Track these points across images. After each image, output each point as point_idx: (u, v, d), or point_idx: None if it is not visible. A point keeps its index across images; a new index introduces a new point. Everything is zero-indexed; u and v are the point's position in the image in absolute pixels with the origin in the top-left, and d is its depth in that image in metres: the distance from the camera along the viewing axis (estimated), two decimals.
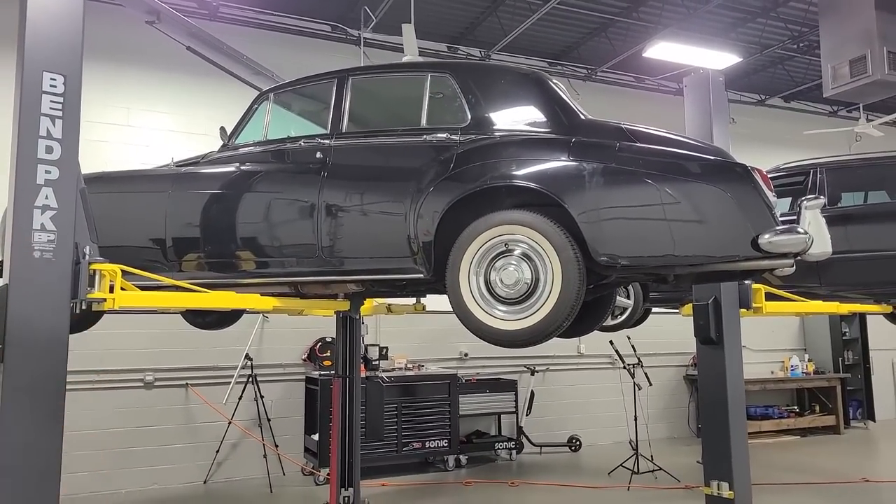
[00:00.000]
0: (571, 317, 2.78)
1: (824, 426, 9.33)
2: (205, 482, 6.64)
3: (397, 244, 3.07)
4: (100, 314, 3.73)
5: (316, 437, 6.63)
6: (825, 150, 7.74)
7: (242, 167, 3.52)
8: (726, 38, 8.37)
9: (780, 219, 2.84)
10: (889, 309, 5.33)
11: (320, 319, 6.23)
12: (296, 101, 3.75)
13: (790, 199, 5.37)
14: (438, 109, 3.27)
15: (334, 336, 5.13)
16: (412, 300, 4.95)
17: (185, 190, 3.54)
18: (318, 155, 3.32)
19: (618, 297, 5.13)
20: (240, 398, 6.66)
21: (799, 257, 2.89)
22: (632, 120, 3.19)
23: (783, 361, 9.70)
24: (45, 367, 2.61)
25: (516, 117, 3.17)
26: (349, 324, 4.76)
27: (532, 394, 8.10)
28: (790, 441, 8.83)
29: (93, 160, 5.09)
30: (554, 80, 3.32)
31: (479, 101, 3.20)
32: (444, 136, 3.14)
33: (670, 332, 8.28)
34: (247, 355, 6.80)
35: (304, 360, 7.27)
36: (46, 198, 2.69)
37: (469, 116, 3.18)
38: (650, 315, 6.14)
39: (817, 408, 9.55)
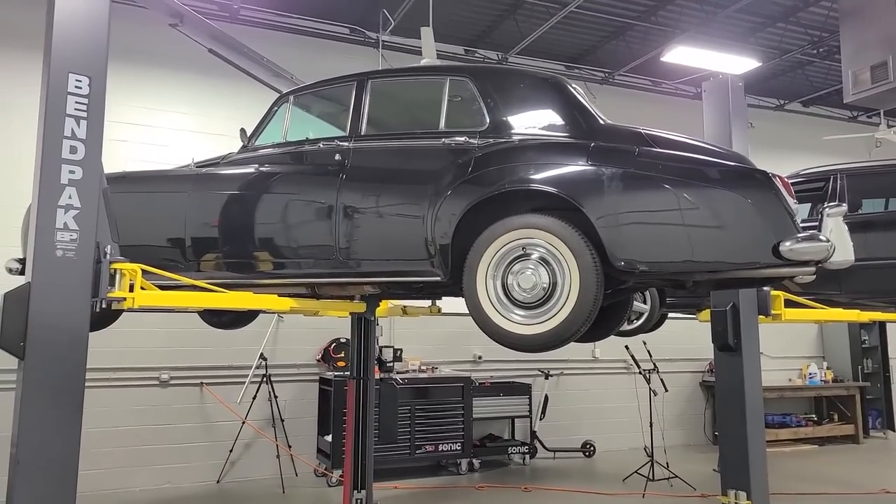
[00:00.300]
0: (589, 322, 2.77)
1: (843, 435, 9.19)
2: (218, 482, 6.68)
3: (414, 247, 3.08)
4: (119, 313, 3.78)
5: (329, 438, 6.64)
6: (845, 155, 7.67)
7: (262, 168, 3.54)
8: (745, 42, 8.30)
9: (801, 225, 2.81)
10: None
11: (334, 320, 6.25)
12: (315, 103, 3.77)
13: (809, 205, 5.32)
14: (457, 113, 3.27)
15: (348, 337, 5.15)
16: (427, 302, 4.95)
17: (204, 190, 3.57)
18: (337, 157, 3.34)
19: (634, 302, 5.10)
20: (254, 398, 6.70)
21: (820, 265, 2.85)
22: (649, 124, 3.18)
23: (801, 369, 9.58)
24: (66, 365, 2.64)
25: (535, 121, 3.17)
26: (364, 325, 4.77)
27: (546, 398, 8.07)
28: (808, 450, 8.71)
29: (113, 159, 5.15)
30: (573, 85, 3.32)
31: (498, 104, 3.19)
32: (463, 139, 3.14)
33: (687, 337, 8.20)
34: (261, 355, 6.84)
35: (318, 361, 7.29)
36: (70, 197, 2.72)
37: (487, 120, 3.18)
38: (666, 320, 6.09)
39: (836, 417, 9.41)
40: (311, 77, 3.99)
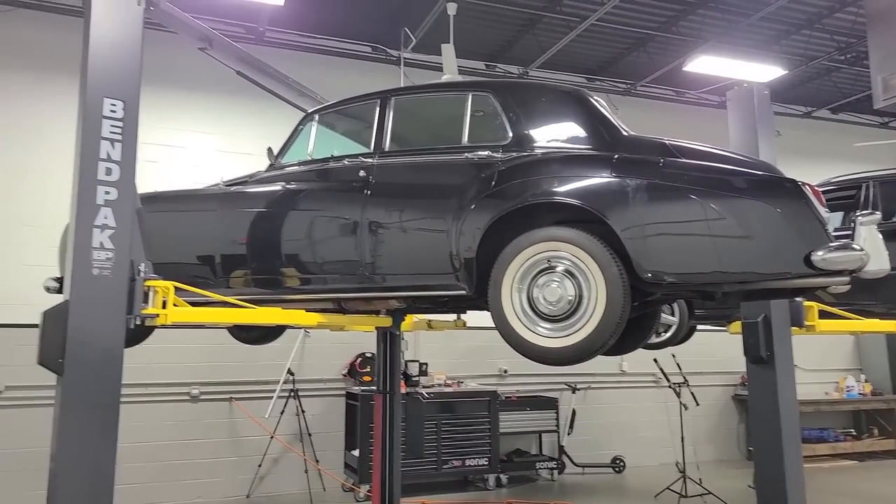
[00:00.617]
0: (616, 335, 2.75)
1: (883, 451, 8.91)
2: (247, 496, 6.73)
3: (439, 261, 3.09)
4: (151, 329, 3.84)
5: (356, 452, 6.65)
6: (876, 162, 7.48)
7: (288, 186, 3.60)
8: (769, 50, 8.22)
9: (834, 234, 2.76)
10: None
11: (360, 335, 6.29)
12: (340, 121, 3.83)
13: (841, 213, 5.21)
14: (480, 127, 3.29)
15: (374, 351, 5.17)
16: (453, 316, 4.96)
17: (233, 209, 3.64)
18: (362, 173, 3.38)
19: (662, 315, 5.04)
20: (282, 413, 6.75)
21: (854, 274, 2.79)
22: (673, 134, 3.16)
23: (838, 382, 9.33)
24: (102, 380, 2.70)
25: (557, 134, 3.17)
26: (390, 340, 4.79)
27: (574, 412, 7.98)
28: (847, 466, 8.45)
29: (145, 180, 5.29)
30: (595, 97, 3.32)
31: (520, 118, 3.21)
32: (486, 153, 3.16)
33: (717, 350, 8.05)
34: (289, 370, 6.91)
35: (345, 376, 7.33)
36: (105, 217, 2.80)
37: (510, 134, 3.19)
38: (695, 333, 6.00)
39: (875, 431, 9.13)
40: (335, 96, 4.06)
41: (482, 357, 7.78)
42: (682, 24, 7.74)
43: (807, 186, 2.77)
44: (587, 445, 8.06)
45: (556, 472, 7.54)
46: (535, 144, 3.14)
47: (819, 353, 9.07)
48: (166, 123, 7.06)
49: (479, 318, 4.03)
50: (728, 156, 3.01)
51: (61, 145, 6.18)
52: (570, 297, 2.80)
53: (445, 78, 5.39)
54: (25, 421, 6.00)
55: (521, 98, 3.29)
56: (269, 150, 3.81)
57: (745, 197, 2.73)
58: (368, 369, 7.14)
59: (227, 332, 5.06)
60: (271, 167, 3.77)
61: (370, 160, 3.41)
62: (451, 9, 6.83)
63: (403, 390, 6.29)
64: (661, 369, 6.99)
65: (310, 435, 6.86)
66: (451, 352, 7.69)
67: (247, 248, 3.57)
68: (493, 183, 3.06)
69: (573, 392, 8.08)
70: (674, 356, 6.92)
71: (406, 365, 6.93)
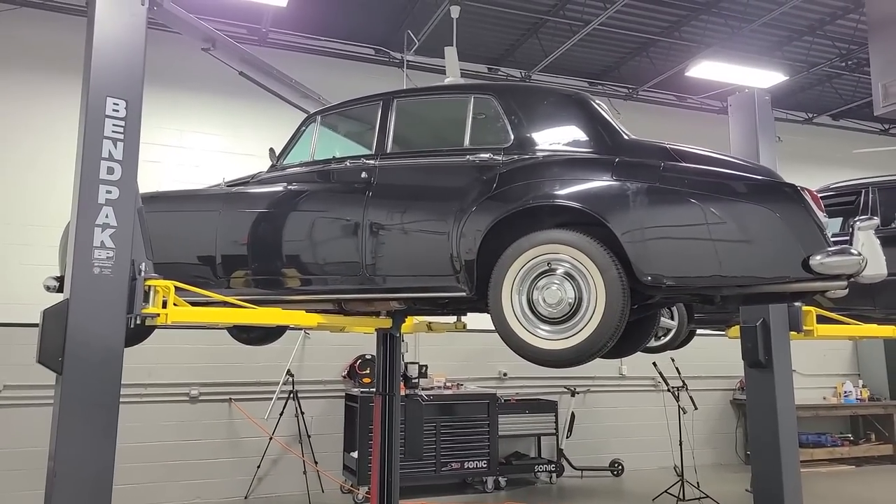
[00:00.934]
0: (615, 337, 2.75)
1: (880, 455, 8.91)
2: (246, 497, 6.72)
3: (440, 263, 3.10)
4: (151, 329, 3.85)
5: (355, 454, 6.65)
6: (876, 169, 7.50)
7: (290, 187, 3.61)
8: (771, 56, 8.24)
9: (832, 240, 2.77)
10: None
11: (360, 336, 6.29)
12: (342, 122, 3.84)
13: (841, 219, 5.22)
14: (481, 130, 3.30)
15: (374, 353, 5.17)
16: (453, 318, 4.96)
17: (235, 209, 3.65)
18: (364, 175, 3.39)
19: (662, 318, 5.04)
20: (281, 414, 6.75)
21: (852, 279, 2.80)
22: (675, 139, 3.18)
23: (836, 387, 9.33)
24: (102, 380, 2.70)
25: (559, 137, 3.18)
26: (390, 341, 4.79)
27: (573, 415, 7.98)
28: (844, 471, 8.45)
29: (147, 180, 5.30)
30: (596, 101, 3.33)
31: (522, 121, 3.22)
32: (487, 156, 3.17)
33: (716, 354, 8.06)
34: (288, 371, 6.91)
35: (344, 377, 7.33)
36: (107, 216, 2.81)
37: (512, 137, 3.20)
38: (695, 337, 6.00)
39: (873, 436, 9.13)
40: (337, 97, 4.07)
41: (482, 360, 7.79)
42: (685, 30, 7.76)
43: (805, 191, 2.78)
44: (586, 448, 8.06)
45: (554, 475, 7.54)
46: (537, 147, 3.15)
47: (817, 358, 9.08)
48: (169, 124, 7.07)
49: (479, 320, 4.04)
50: (728, 160, 3.02)
51: (64, 144, 6.19)
52: (570, 300, 2.81)
53: (448, 80, 5.41)
54: (24, 420, 6.01)
55: (523, 101, 3.30)
56: (271, 150, 3.82)
57: (745, 201, 2.74)
58: (368, 371, 7.14)
59: (226, 332, 5.06)
60: (273, 168, 3.78)
61: (372, 162, 3.42)
62: (455, 12, 6.85)
63: (403, 392, 6.29)
64: (660, 373, 6.99)
65: (309, 436, 6.86)
66: (451, 354, 7.69)
67: (248, 248, 3.58)
68: (495, 185, 3.07)
69: (572, 395, 8.08)
70: (673, 360, 6.92)
71: (406, 367, 6.91)
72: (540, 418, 7.58)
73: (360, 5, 7.21)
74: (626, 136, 3.13)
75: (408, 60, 7.91)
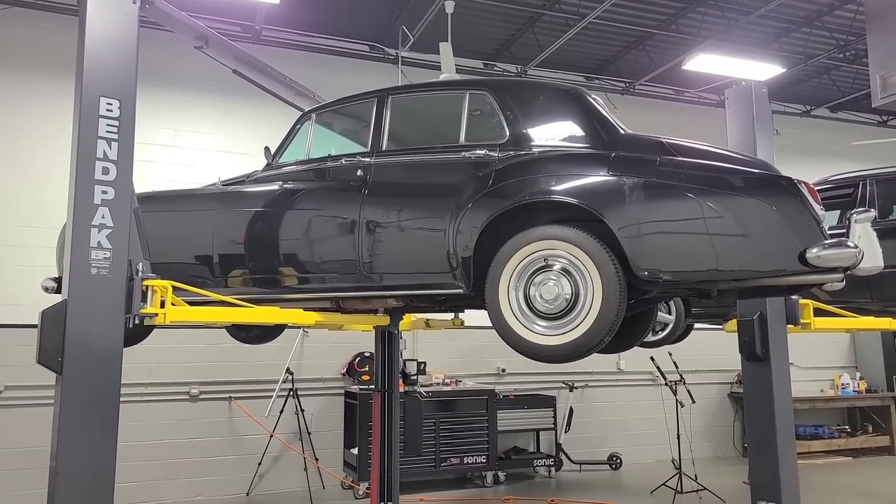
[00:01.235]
0: (612, 332, 2.76)
1: (877, 447, 8.94)
2: (247, 494, 6.74)
3: (437, 260, 3.10)
4: (150, 328, 3.86)
5: (355, 451, 6.67)
6: (874, 161, 7.50)
7: (286, 185, 3.61)
8: (769, 48, 8.23)
9: (829, 232, 2.77)
10: None
11: (358, 334, 6.30)
12: (337, 120, 3.83)
13: (838, 212, 5.22)
14: (477, 126, 3.30)
15: (372, 351, 5.18)
16: (450, 315, 4.97)
17: (231, 208, 3.64)
18: (359, 173, 3.39)
19: (659, 313, 5.06)
20: (281, 412, 6.76)
21: (849, 272, 2.81)
22: (672, 133, 3.17)
23: (833, 379, 9.36)
24: (102, 379, 2.72)
25: (555, 133, 3.18)
26: (388, 339, 4.80)
27: (571, 410, 8.00)
28: (841, 462, 8.49)
29: (142, 180, 5.30)
30: (592, 96, 3.33)
31: (518, 117, 3.22)
32: (483, 152, 3.17)
33: (713, 348, 8.08)
34: (288, 369, 6.91)
35: (343, 375, 7.34)
36: (103, 217, 2.81)
37: (507, 133, 3.20)
38: (692, 331, 6.02)
39: (870, 428, 9.16)
40: (332, 94, 4.06)
41: (480, 356, 7.80)
42: (682, 22, 7.75)
43: (802, 184, 2.78)
44: (584, 443, 8.09)
45: (553, 469, 7.56)
46: (533, 143, 3.14)
47: (815, 350, 9.10)
48: (163, 123, 7.05)
49: (476, 317, 4.05)
50: (725, 154, 3.02)
51: (59, 144, 6.17)
52: (567, 296, 2.81)
53: (443, 76, 5.40)
54: (25, 421, 6.01)
55: (519, 97, 3.30)
56: (267, 149, 3.81)
57: (742, 195, 2.74)
58: (367, 368, 7.15)
59: (225, 331, 5.07)
60: (268, 167, 3.77)
61: (367, 159, 3.42)
62: (450, 7, 6.83)
63: (402, 389, 6.30)
64: (657, 367, 7.01)
65: (309, 433, 6.87)
66: (450, 351, 7.70)
67: (244, 247, 3.58)
68: (491, 182, 3.07)
69: (570, 390, 8.10)
70: (670, 354, 6.94)
71: (404, 364, 6.94)
72: (538, 413, 7.60)
73: (353, 1, 7.18)
74: (622, 131, 3.13)
75: (402, 57, 7.89)
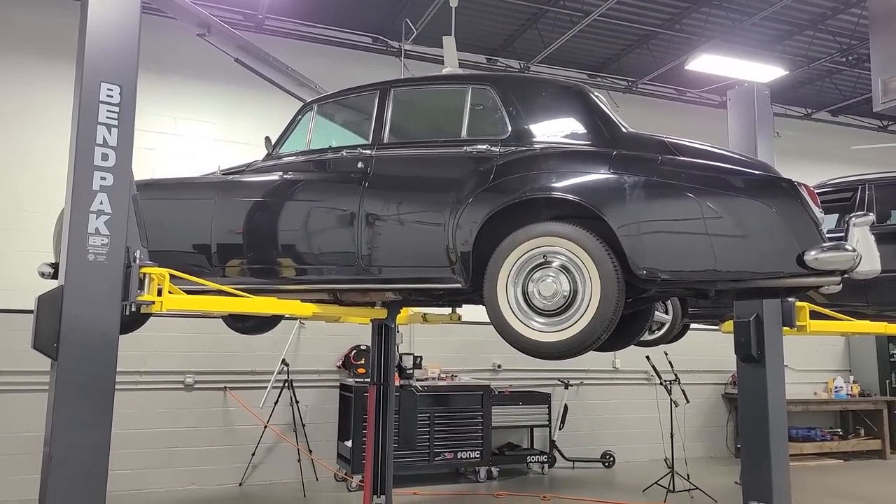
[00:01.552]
0: (609, 330, 2.77)
1: (869, 450, 8.98)
2: (240, 484, 6.74)
3: (436, 254, 3.10)
4: (147, 316, 3.85)
5: (349, 443, 6.68)
6: (874, 165, 7.52)
7: (286, 176, 3.60)
8: (772, 50, 8.22)
9: (828, 236, 2.78)
10: None
11: (355, 327, 6.30)
12: (338, 111, 3.82)
13: (837, 215, 5.23)
14: (479, 121, 3.29)
15: (369, 344, 5.18)
16: (448, 310, 4.97)
17: (230, 197, 3.64)
18: (360, 165, 3.38)
19: (656, 312, 5.06)
20: (276, 403, 6.76)
21: (846, 275, 2.82)
22: (673, 133, 3.17)
23: (827, 382, 9.39)
24: (97, 365, 2.71)
25: (557, 130, 3.18)
26: (385, 332, 4.80)
27: (565, 407, 8.02)
28: (833, 465, 8.53)
29: (142, 167, 5.28)
30: (595, 93, 3.32)
31: (520, 113, 3.21)
32: (485, 147, 3.17)
33: (709, 348, 8.10)
34: (283, 361, 6.91)
35: (339, 367, 7.34)
36: (101, 203, 2.80)
37: (509, 128, 3.19)
38: (688, 331, 6.03)
39: (862, 431, 9.20)
40: (334, 86, 4.05)
41: (476, 351, 7.81)
42: (685, 22, 7.73)
43: (802, 187, 2.79)
44: (578, 440, 8.11)
45: (546, 465, 7.58)
46: (535, 139, 3.14)
47: (809, 353, 9.13)
48: (164, 111, 7.02)
49: (474, 312, 4.05)
50: (725, 154, 3.03)
51: (58, 130, 6.14)
52: (565, 293, 2.82)
53: (446, 70, 5.38)
54: (20, 406, 6.00)
55: (522, 92, 3.29)
56: (267, 139, 3.80)
57: (741, 196, 2.74)
58: (363, 361, 7.15)
59: (222, 321, 5.06)
60: (269, 156, 3.76)
61: (368, 152, 3.41)
62: (454, 1, 6.80)
63: (397, 382, 6.31)
64: (653, 367, 7.02)
65: (303, 425, 6.88)
66: (446, 345, 7.71)
67: (243, 237, 3.57)
68: (492, 177, 3.07)
69: (565, 388, 8.11)
70: (666, 354, 6.95)
71: (400, 357, 6.93)
72: (533, 410, 7.61)
73: None
74: (624, 130, 3.13)
75: (405, 49, 7.87)
